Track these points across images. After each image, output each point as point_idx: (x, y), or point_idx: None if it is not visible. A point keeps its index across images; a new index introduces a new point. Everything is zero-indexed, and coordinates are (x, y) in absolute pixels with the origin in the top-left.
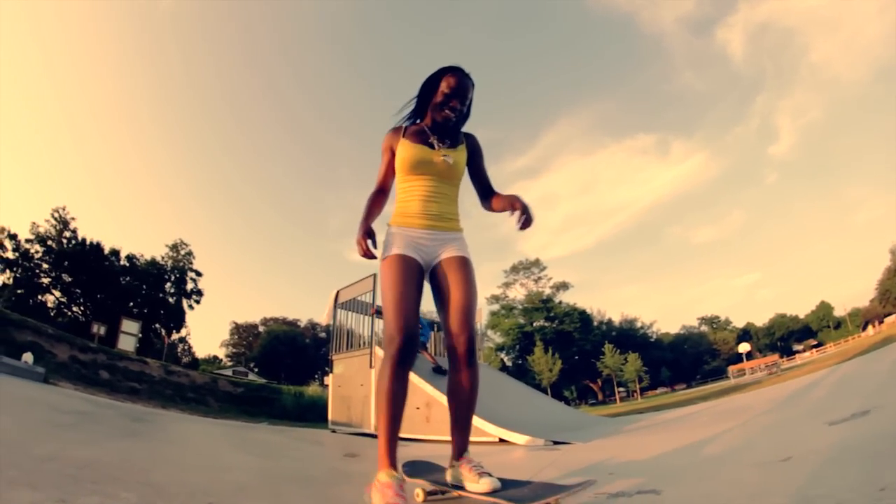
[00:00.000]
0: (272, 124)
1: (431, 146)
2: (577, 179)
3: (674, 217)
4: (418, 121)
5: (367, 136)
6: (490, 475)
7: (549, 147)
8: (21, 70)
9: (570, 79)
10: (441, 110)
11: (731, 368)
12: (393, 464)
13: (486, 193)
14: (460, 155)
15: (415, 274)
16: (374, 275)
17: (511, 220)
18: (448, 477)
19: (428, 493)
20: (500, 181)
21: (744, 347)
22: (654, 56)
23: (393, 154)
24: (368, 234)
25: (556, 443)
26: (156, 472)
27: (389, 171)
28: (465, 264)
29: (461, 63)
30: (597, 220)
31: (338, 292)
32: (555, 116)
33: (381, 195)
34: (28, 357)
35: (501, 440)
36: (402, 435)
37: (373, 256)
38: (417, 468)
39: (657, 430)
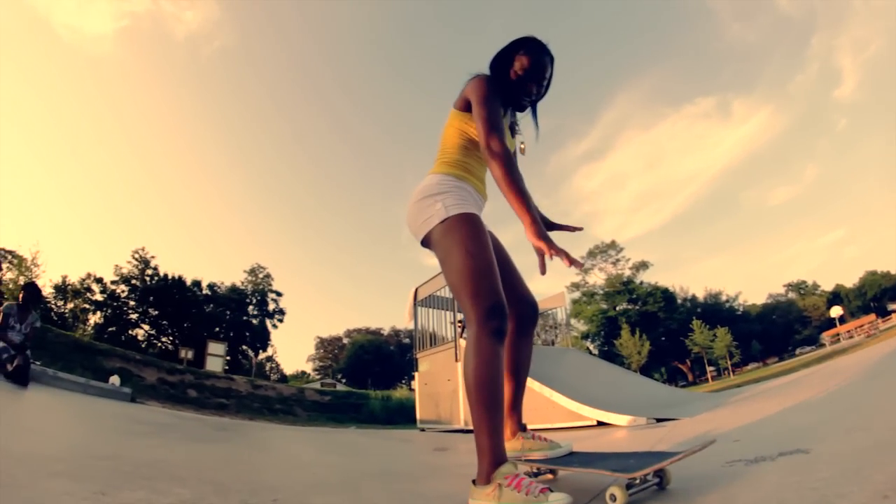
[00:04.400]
0: (336, 144)
1: (511, 129)
2: (642, 155)
3: (747, 180)
4: None
5: (423, 144)
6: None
7: (610, 125)
8: (91, 119)
9: (618, 53)
10: (516, 93)
11: (825, 335)
12: (505, 456)
13: None
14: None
15: None
16: None
17: (578, 207)
18: (517, 450)
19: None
20: (566, 168)
21: (836, 311)
22: (699, 14)
23: None
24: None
25: (659, 420)
26: (223, 472)
27: None
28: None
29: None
30: (669, 194)
31: (416, 289)
32: (610, 93)
33: (514, 160)
34: (115, 379)
35: (600, 423)
36: (459, 427)
37: (579, 263)
38: None
39: (770, 396)
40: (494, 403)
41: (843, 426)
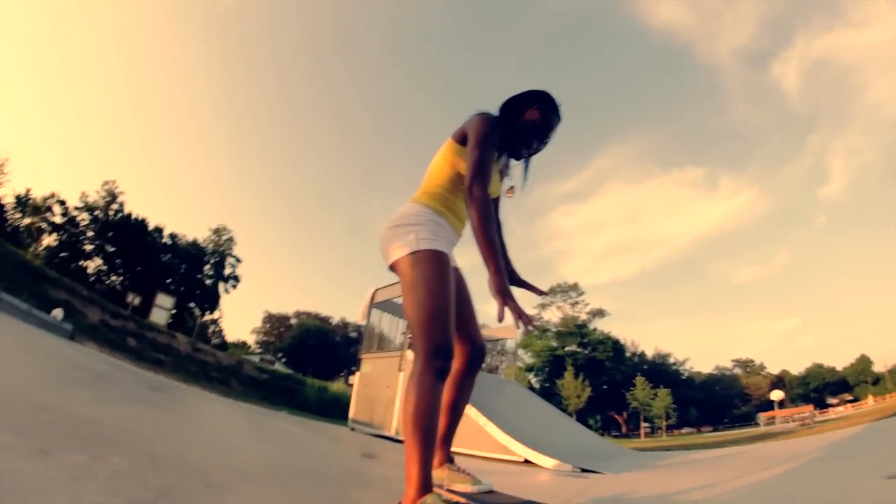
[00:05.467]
0: (328, 124)
1: (500, 173)
2: (623, 207)
3: (718, 253)
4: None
5: (413, 147)
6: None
7: (598, 172)
8: (89, 45)
9: (623, 105)
10: (516, 144)
11: (762, 415)
12: (431, 486)
13: None
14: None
15: None
16: None
17: (550, 243)
18: (443, 479)
19: None
20: (547, 203)
21: (777, 395)
22: (709, 88)
23: None
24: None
25: (584, 470)
26: (158, 443)
27: None
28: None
29: (515, 82)
30: (640, 249)
31: (375, 291)
32: (606, 142)
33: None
34: (58, 313)
35: (526, 461)
36: (389, 434)
37: (529, 322)
38: None
39: (695, 469)
40: (428, 436)
41: None
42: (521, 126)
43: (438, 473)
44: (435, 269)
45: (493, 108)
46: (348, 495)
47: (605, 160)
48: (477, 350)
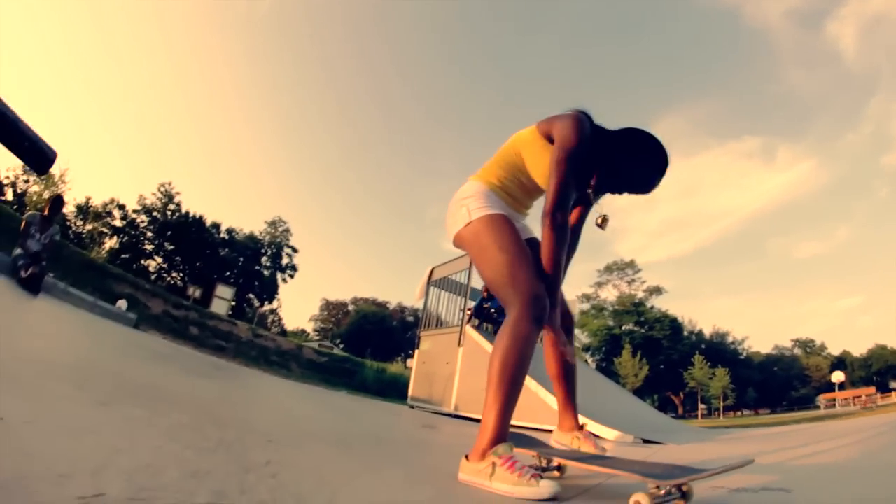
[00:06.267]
0: (376, 112)
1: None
2: (678, 181)
3: (778, 228)
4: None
5: (468, 131)
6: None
7: None
8: (143, 54)
9: (673, 77)
10: (605, 183)
11: (822, 397)
12: (506, 437)
13: None
14: None
15: None
16: None
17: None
18: (569, 442)
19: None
20: None
21: (837, 376)
22: (761, 53)
23: None
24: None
25: (646, 441)
26: (219, 407)
27: None
28: None
29: (561, 60)
30: (697, 225)
31: (432, 269)
32: (658, 116)
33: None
34: (122, 304)
35: None
36: (448, 411)
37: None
38: (520, 441)
39: (759, 441)
40: (514, 384)
41: (827, 476)
42: (621, 167)
43: (567, 437)
44: (497, 229)
45: (530, 90)
46: (409, 456)
47: (658, 134)
48: (566, 316)
